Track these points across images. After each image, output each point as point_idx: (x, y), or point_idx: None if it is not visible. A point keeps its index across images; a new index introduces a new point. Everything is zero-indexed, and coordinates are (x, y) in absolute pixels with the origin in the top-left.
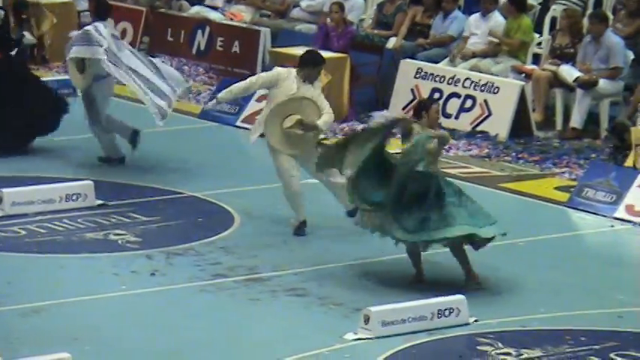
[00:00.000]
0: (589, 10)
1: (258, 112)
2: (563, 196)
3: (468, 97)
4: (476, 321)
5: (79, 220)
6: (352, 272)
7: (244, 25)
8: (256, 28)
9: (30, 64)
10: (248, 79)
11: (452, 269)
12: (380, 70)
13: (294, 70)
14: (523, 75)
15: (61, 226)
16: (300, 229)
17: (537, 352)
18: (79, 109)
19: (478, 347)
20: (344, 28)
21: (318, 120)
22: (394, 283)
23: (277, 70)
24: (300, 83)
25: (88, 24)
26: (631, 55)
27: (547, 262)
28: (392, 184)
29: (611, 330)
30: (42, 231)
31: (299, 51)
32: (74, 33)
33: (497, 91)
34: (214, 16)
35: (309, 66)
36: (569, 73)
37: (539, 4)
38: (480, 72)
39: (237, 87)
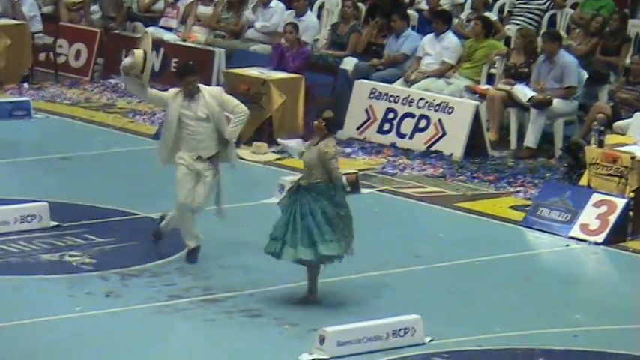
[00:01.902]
0: (543, 29)
1: None
2: (518, 216)
3: (422, 117)
4: (431, 340)
5: (34, 242)
6: None
7: (199, 46)
8: (210, 48)
9: None
10: None
11: (407, 289)
12: (334, 90)
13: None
14: (477, 95)
15: (16, 248)
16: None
17: None
18: (33, 130)
19: None
20: (298, 49)
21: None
22: (350, 303)
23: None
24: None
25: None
26: (585, 75)
27: (502, 281)
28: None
29: (566, 349)
30: None
31: (253, 71)
32: None
33: (452, 111)
34: (169, 37)
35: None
36: (523, 92)
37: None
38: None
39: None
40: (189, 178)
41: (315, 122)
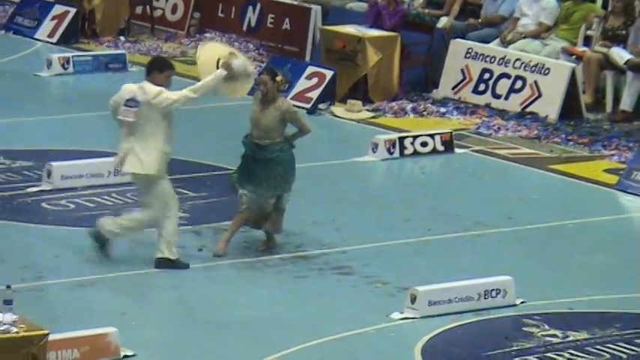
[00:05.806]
0: None
1: (308, 90)
2: (612, 179)
3: (518, 77)
4: (522, 302)
5: (127, 195)
6: (399, 252)
7: (295, 3)
8: (307, 5)
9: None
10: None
11: (499, 251)
12: (430, 49)
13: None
14: (574, 57)
15: (110, 201)
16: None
17: (584, 335)
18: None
19: (524, 328)
20: (395, 7)
21: None
22: (441, 263)
23: None
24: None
25: None
26: None
27: (595, 244)
28: None
29: None
30: (90, 205)
31: (349, 29)
32: None
33: (548, 73)
34: None
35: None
36: (620, 55)
37: None
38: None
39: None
40: None
41: (278, 78)
